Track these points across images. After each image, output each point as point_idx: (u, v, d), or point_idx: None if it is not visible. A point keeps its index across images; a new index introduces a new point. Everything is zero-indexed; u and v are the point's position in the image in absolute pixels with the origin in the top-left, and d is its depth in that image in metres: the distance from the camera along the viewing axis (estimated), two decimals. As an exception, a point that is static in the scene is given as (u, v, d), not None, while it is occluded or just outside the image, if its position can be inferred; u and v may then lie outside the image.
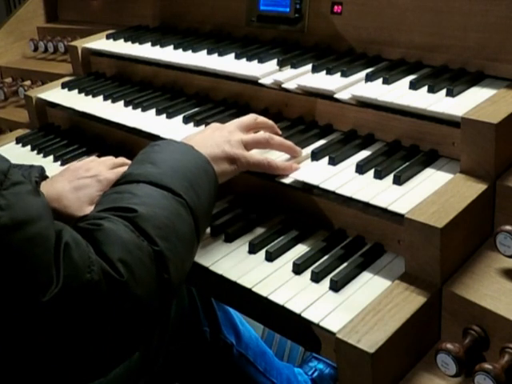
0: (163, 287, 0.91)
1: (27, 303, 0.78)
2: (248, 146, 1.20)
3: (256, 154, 1.22)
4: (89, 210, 1.19)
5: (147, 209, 0.94)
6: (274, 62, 1.54)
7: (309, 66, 1.48)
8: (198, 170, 1.06)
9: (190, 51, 1.72)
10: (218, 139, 1.16)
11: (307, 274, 1.09)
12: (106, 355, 0.87)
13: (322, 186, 1.17)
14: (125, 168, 1.18)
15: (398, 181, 1.15)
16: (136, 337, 0.91)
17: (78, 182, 1.22)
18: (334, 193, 1.16)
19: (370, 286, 1.06)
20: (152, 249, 0.90)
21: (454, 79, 1.31)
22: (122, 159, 1.29)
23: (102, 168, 1.24)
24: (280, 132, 1.31)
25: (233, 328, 1.48)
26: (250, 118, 1.27)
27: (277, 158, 1.26)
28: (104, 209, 0.95)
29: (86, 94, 1.77)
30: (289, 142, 1.26)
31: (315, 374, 1.76)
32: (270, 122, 1.29)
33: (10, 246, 0.76)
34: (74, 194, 1.19)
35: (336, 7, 1.57)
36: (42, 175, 1.24)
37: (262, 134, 1.24)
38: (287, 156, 1.27)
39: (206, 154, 1.10)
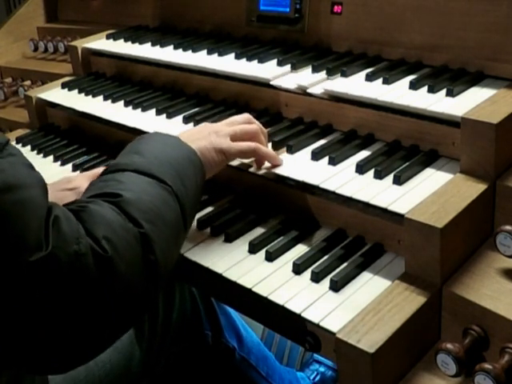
0: (150, 269, 0.91)
1: (12, 260, 0.78)
2: (236, 137, 1.21)
3: (243, 142, 1.21)
4: None
5: (132, 194, 0.95)
6: (274, 61, 1.54)
7: (309, 66, 1.48)
8: (184, 160, 1.07)
9: (189, 51, 1.72)
10: (206, 132, 1.18)
11: (307, 274, 1.09)
12: (89, 331, 0.86)
13: (322, 185, 1.17)
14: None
15: (398, 181, 1.15)
16: (121, 316, 0.90)
17: (58, 193, 1.23)
18: (333, 193, 1.16)
19: (370, 286, 1.06)
20: (138, 231, 0.91)
21: (454, 79, 1.31)
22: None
23: (84, 181, 1.24)
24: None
25: (235, 332, 1.48)
26: (244, 116, 1.27)
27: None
28: (90, 195, 0.96)
29: (86, 94, 1.77)
30: (269, 147, 1.27)
31: (317, 377, 1.76)
32: (262, 126, 1.28)
33: None
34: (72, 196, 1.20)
35: (336, 7, 1.57)
36: None
37: (250, 125, 1.25)
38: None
39: (193, 147, 1.11)
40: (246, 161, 1.28)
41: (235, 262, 1.14)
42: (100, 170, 1.27)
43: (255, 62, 1.57)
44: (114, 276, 0.86)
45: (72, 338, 0.85)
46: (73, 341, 0.85)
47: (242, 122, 1.25)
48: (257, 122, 1.27)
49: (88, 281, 0.83)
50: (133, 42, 1.88)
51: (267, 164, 1.26)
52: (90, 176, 1.27)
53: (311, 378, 1.75)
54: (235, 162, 1.29)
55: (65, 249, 0.82)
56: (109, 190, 0.96)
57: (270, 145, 1.31)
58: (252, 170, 1.28)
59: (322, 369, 1.78)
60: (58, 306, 0.82)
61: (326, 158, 1.25)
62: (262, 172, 1.27)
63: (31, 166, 0.87)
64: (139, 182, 0.99)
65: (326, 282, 1.06)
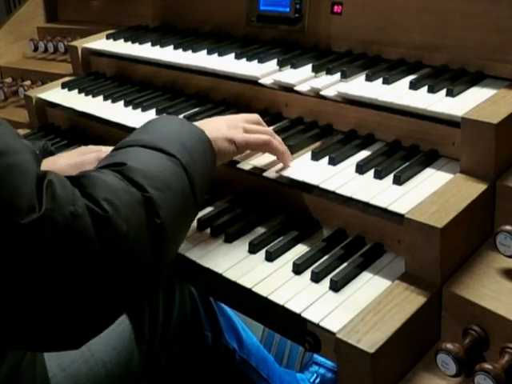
0: (155, 232, 0.88)
1: (4, 222, 0.76)
2: (249, 132, 1.20)
3: (254, 134, 1.21)
4: None
5: (138, 163, 0.93)
6: (274, 61, 1.54)
7: (309, 66, 1.48)
8: (192, 136, 1.06)
9: (189, 51, 1.72)
10: (219, 124, 1.17)
11: (307, 274, 1.09)
12: (92, 297, 0.83)
13: (322, 185, 1.17)
14: None
15: (398, 181, 1.15)
16: (126, 282, 0.86)
17: (80, 158, 1.25)
18: (334, 193, 1.16)
19: (370, 286, 1.06)
20: (141, 194, 0.89)
21: (454, 79, 1.31)
22: None
23: (106, 147, 1.26)
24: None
25: (235, 333, 1.48)
26: (253, 116, 1.27)
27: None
28: (95, 168, 0.96)
29: (86, 94, 1.77)
30: (285, 147, 1.26)
31: (317, 379, 1.76)
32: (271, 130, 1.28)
33: None
34: (73, 170, 1.20)
35: (336, 7, 1.58)
36: (43, 150, 1.25)
37: (265, 128, 1.25)
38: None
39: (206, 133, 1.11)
40: (238, 157, 1.28)
41: (235, 262, 1.14)
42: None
43: (255, 61, 1.57)
44: (115, 235, 0.83)
45: (74, 306, 0.82)
46: (75, 309, 0.82)
47: (255, 121, 1.25)
48: (265, 125, 1.28)
49: (87, 241, 0.81)
50: (133, 42, 1.89)
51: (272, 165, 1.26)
52: (108, 148, 1.26)
53: (311, 380, 1.75)
54: (235, 163, 1.29)
55: (60, 210, 0.79)
56: (113, 160, 0.95)
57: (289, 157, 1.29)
58: (252, 169, 1.28)
59: (321, 371, 1.77)
60: (57, 269, 0.79)
61: (326, 158, 1.25)
62: (262, 172, 1.27)
63: (19, 136, 0.86)
64: (146, 154, 0.97)
65: (326, 282, 1.06)
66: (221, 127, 1.16)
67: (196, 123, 1.16)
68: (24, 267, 0.78)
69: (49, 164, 1.25)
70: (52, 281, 0.79)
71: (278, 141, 1.24)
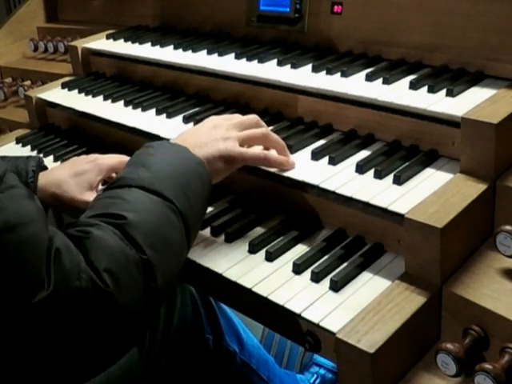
0: (150, 295, 0.92)
1: (17, 304, 0.78)
2: (244, 142, 1.19)
3: (251, 149, 1.20)
4: (88, 194, 1.22)
5: (136, 215, 0.94)
6: (274, 61, 1.54)
7: (309, 66, 1.48)
8: (190, 174, 1.05)
9: (189, 51, 1.72)
10: (213, 137, 1.14)
11: (307, 274, 1.09)
12: (91, 359, 0.88)
13: (322, 185, 1.17)
14: (125, 157, 1.21)
15: (398, 181, 1.15)
16: (121, 341, 0.92)
17: (77, 168, 1.26)
18: (334, 193, 1.16)
19: (370, 286, 1.06)
20: (140, 257, 0.91)
21: (454, 79, 1.31)
22: (124, 156, 1.33)
23: (103, 156, 1.28)
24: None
25: (236, 336, 1.48)
26: (253, 119, 1.24)
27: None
28: (95, 214, 0.96)
29: (86, 94, 1.77)
30: (283, 142, 1.24)
31: (317, 380, 1.75)
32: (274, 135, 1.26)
33: (1, 248, 0.77)
34: (73, 180, 1.23)
35: (336, 7, 1.57)
36: (39, 165, 1.26)
37: (259, 130, 1.22)
38: None
39: (200, 155, 1.09)
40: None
41: (235, 262, 1.14)
42: (120, 156, 1.30)
43: (255, 62, 1.57)
44: (113, 309, 0.87)
45: (75, 364, 0.87)
46: (76, 366, 0.87)
47: (253, 125, 1.22)
48: (265, 125, 1.26)
49: (88, 314, 0.84)
50: (133, 42, 1.88)
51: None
52: (108, 155, 1.29)
53: (311, 380, 1.75)
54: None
55: (66, 285, 0.82)
56: (113, 210, 0.95)
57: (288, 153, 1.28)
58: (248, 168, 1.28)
59: (321, 371, 1.77)
60: (60, 340, 0.83)
61: (326, 158, 1.25)
62: (262, 172, 1.27)
63: (30, 196, 0.86)
64: (144, 200, 0.97)
65: (326, 282, 1.06)
66: (216, 142, 1.13)
67: (191, 137, 1.14)
68: (30, 338, 0.81)
69: (45, 177, 1.25)
70: (53, 346, 0.83)
71: (274, 139, 1.23)
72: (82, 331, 0.85)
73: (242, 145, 1.18)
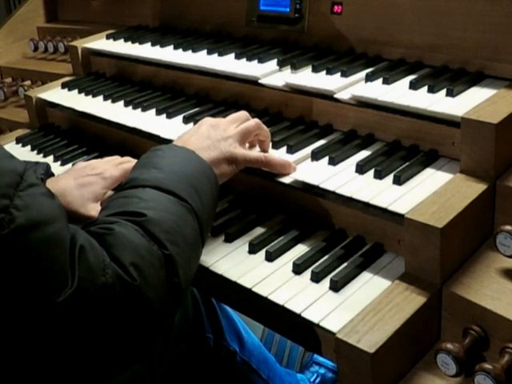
0: (173, 291, 0.92)
1: (42, 303, 0.78)
2: (243, 136, 1.20)
3: (253, 151, 1.22)
4: (92, 206, 1.21)
5: (155, 213, 0.95)
6: (274, 61, 1.54)
7: (309, 66, 1.48)
8: (201, 176, 1.07)
9: (189, 51, 1.72)
10: (214, 139, 1.16)
11: (307, 274, 1.09)
12: (117, 356, 0.88)
13: (322, 185, 1.17)
14: (130, 165, 1.21)
15: (398, 181, 1.15)
16: (148, 337, 0.92)
17: (82, 179, 1.24)
18: (334, 193, 1.16)
19: (369, 286, 1.06)
20: (162, 253, 0.91)
21: (454, 79, 1.31)
22: (127, 158, 1.31)
23: (108, 166, 1.26)
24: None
25: (236, 335, 1.48)
26: (243, 113, 1.27)
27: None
28: (113, 213, 0.96)
29: (86, 94, 1.77)
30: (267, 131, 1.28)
31: (317, 379, 1.75)
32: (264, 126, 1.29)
33: (25, 247, 0.76)
34: (78, 191, 1.21)
35: (336, 7, 1.57)
36: (47, 172, 1.26)
37: (251, 121, 1.24)
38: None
39: (205, 158, 1.11)
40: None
41: (235, 262, 1.14)
42: (125, 159, 1.30)
43: (255, 62, 1.57)
44: (141, 303, 0.87)
45: (102, 362, 0.86)
46: (103, 364, 0.87)
47: (244, 119, 1.25)
48: (257, 120, 1.27)
49: (116, 309, 0.84)
50: (133, 42, 1.88)
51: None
52: (114, 163, 1.28)
53: (311, 379, 1.75)
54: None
55: (92, 281, 0.82)
56: (132, 208, 0.96)
57: (270, 144, 1.31)
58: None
59: (321, 370, 1.77)
60: (86, 338, 0.82)
61: (326, 158, 1.25)
62: (261, 172, 1.27)
63: (50, 194, 0.86)
64: (161, 199, 0.99)
65: (326, 282, 1.06)
66: (218, 144, 1.15)
67: (193, 139, 1.15)
68: (56, 337, 0.80)
69: (50, 186, 1.25)
70: (80, 344, 0.83)
71: (265, 129, 1.26)
72: (110, 328, 0.84)
73: (241, 142, 1.20)
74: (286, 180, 1.23)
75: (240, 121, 1.24)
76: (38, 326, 0.79)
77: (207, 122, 1.22)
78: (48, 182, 1.26)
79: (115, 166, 1.27)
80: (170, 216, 0.96)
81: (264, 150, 1.29)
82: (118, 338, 0.86)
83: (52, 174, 1.30)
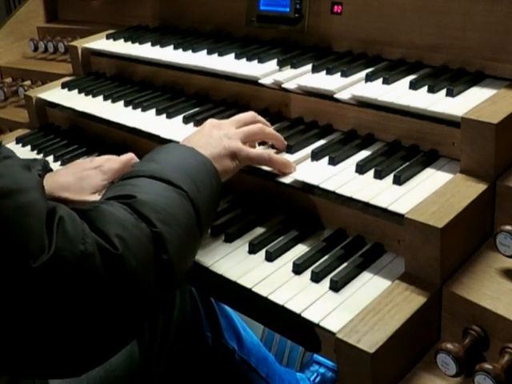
0: (162, 268, 0.90)
1: (16, 267, 0.77)
2: (245, 138, 1.21)
3: (256, 149, 1.22)
4: (91, 197, 1.21)
5: (146, 195, 0.95)
6: (274, 61, 1.54)
7: (309, 66, 1.48)
8: (199, 167, 1.07)
9: (189, 51, 1.72)
10: (217, 137, 1.17)
11: (307, 273, 1.09)
12: (100, 332, 0.85)
13: (322, 185, 1.17)
14: (128, 156, 1.24)
15: (398, 181, 1.15)
16: (133, 317, 0.89)
17: (81, 173, 1.25)
18: (334, 193, 1.16)
19: (369, 286, 1.06)
20: (150, 230, 0.90)
21: (454, 79, 1.31)
22: (130, 154, 1.32)
23: (107, 160, 1.27)
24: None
25: (235, 333, 1.48)
26: (249, 115, 1.27)
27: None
28: (105, 198, 0.97)
29: (86, 94, 1.77)
30: (279, 134, 1.28)
31: (317, 379, 1.75)
32: (268, 123, 1.30)
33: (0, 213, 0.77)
34: (77, 184, 1.22)
35: (336, 7, 1.57)
36: (45, 168, 1.26)
37: (255, 125, 1.25)
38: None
39: (207, 155, 1.11)
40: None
41: (235, 262, 1.14)
42: (123, 156, 1.30)
43: (255, 62, 1.57)
44: (124, 273, 0.85)
45: (84, 338, 0.84)
46: (85, 341, 0.84)
47: (248, 121, 1.25)
48: (262, 119, 1.28)
49: (96, 280, 0.82)
50: (133, 42, 1.89)
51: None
52: (112, 159, 1.29)
53: (311, 379, 1.75)
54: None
55: (70, 249, 0.81)
56: (123, 192, 0.96)
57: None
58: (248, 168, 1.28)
59: (321, 370, 1.77)
60: (67, 308, 0.81)
61: (326, 158, 1.25)
62: (262, 172, 1.27)
63: (27, 167, 0.86)
64: (154, 186, 0.99)
65: (326, 282, 1.06)
66: (220, 141, 1.16)
67: (195, 139, 1.16)
68: (35, 305, 0.79)
69: (49, 181, 1.25)
70: (61, 316, 0.81)
71: (270, 133, 1.26)
72: (93, 298, 0.82)
73: (243, 142, 1.20)
74: (286, 180, 1.23)
75: (244, 122, 1.24)
76: (15, 292, 0.77)
77: (211, 122, 1.22)
78: (47, 176, 1.27)
79: (114, 160, 1.28)
80: (162, 199, 0.96)
81: (280, 150, 1.28)
82: (101, 310, 0.84)
83: (50, 170, 1.31)
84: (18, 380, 1.05)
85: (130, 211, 0.91)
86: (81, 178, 1.23)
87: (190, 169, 1.05)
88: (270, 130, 1.26)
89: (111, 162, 1.26)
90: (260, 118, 1.28)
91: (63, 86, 1.86)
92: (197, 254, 1.15)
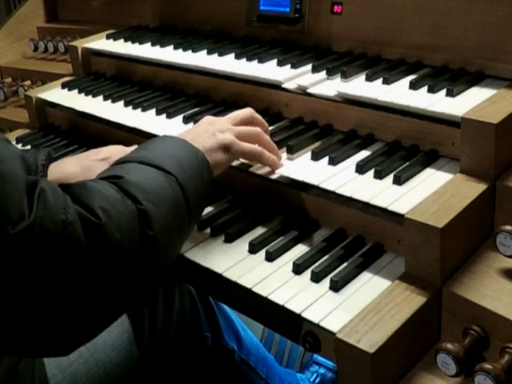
0: (148, 244, 0.90)
1: None
2: (240, 136, 1.21)
3: (248, 143, 1.22)
4: None
5: (135, 177, 0.95)
6: (274, 62, 1.54)
7: (309, 66, 1.48)
8: (191, 156, 1.07)
9: (189, 51, 1.72)
10: (210, 131, 1.17)
11: (307, 273, 1.09)
12: (84, 305, 0.84)
13: (322, 185, 1.17)
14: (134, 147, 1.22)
15: (398, 181, 1.15)
16: (119, 292, 0.88)
17: (88, 163, 1.25)
18: (334, 193, 1.16)
19: (369, 286, 1.06)
20: (136, 207, 0.90)
21: (454, 79, 1.31)
22: (135, 146, 1.31)
23: (113, 151, 1.27)
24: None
25: (234, 334, 1.48)
26: (246, 112, 1.27)
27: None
28: (94, 179, 0.97)
29: (86, 94, 1.77)
30: (274, 145, 1.27)
31: (317, 379, 1.75)
32: (264, 122, 1.29)
33: None
34: (83, 175, 1.22)
35: (336, 7, 1.58)
36: (49, 157, 1.26)
37: (253, 128, 1.25)
38: None
39: (200, 147, 1.12)
40: (245, 160, 1.28)
41: (235, 262, 1.14)
42: (130, 148, 1.29)
43: (255, 62, 1.57)
44: (106, 243, 0.84)
45: (64, 313, 0.83)
46: (65, 315, 0.83)
47: (245, 117, 1.25)
48: (259, 117, 1.28)
49: (78, 249, 0.81)
50: (133, 42, 1.89)
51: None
52: (119, 149, 1.29)
53: (311, 379, 1.75)
54: (235, 162, 1.29)
55: (51, 218, 0.80)
56: (111, 173, 0.97)
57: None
58: (252, 169, 1.28)
59: (321, 370, 1.77)
60: (48, 276, 0.80)
61: (326, 158, 1.25)
62: (262, 172, 1.27)
63: (8, 141, 0.87)
64: (144, 170, 0.99)
65: (326, 282, 1.06)
66: (213, 136, 1.16)
67: (190, 134, 1.16)
68: (15, 275, 0.78)
69: (55, 170, 1.25)
70: (43, 288, 0.80)
71: (266, 140, 1.25)
72: (74, 267, 0.81)
73: (238, 139, 1.20)
74: (286, 180, 1.23)
75: (240, 119, 1.24)
76: None
77: (206, 119, 1.23)
78: (52, 166, 1.27)
79: (121, 151, 1.28)
80: (151, 181, 0.96)
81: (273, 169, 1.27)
82: (85, 281, 0.82)
83: (54, 159, 1.31)
84: (16, 369, 1.05)
85: (116, 189, 0.91)
86: (87, 169, 1.24)
87: (180, 157, 1.05)
88: (268, 138, 1.25)
89: (117, 154, 1.26)
90: (257, 115, 1.28)
91: (63, 85, 1.86)
92: (197, 255, 1.16)
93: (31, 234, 0.78)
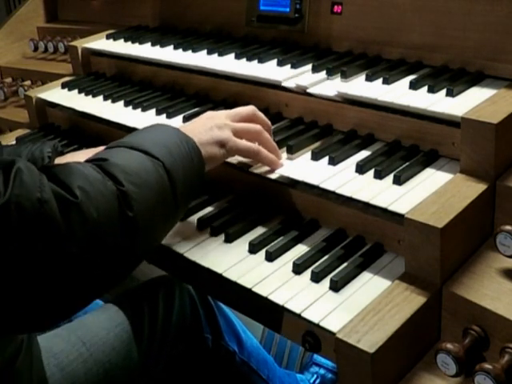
0: (127, 224, 0.90)
1: None
2: (238, 133, 1.21)
3: (245, 141, 1.22)
4: None
5: (119, 160, 0.96)
6: (274, 62, 1.54)
7: (309, 66, 1.48)
8: (181, 143, 1.07)
9: (189, 51, 1.72)
10: (208, 126, 1.17)
11: (307, 274, 1.09)
12: (57, 281, 0.84)
13: (322, 185, 1.17)
14: None
15: (398, 181, 1.15)
16: (98, 270, 0.88)
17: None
18: (334, 193, 1.16)
19: (369, 286, 1.06)
20: (116, 187, 0.91)
21: (454, 79, 1.31)
22: None
23: None
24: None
25: (235, 336, 1.48)
26: (249, 109, 1.27)
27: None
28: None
29: (86, 94, 1.77)
30: (274, 144, 1.26)
31: (317, 380, 1.75)
32: (267, 120, 1.29)
33: None
34: None
35: (336, 7, 1.58)
36: (55, 150, 1.26)
37: (253, 125, 1.24)
38: None
39: (196, 140, 1.11)
40: (245, 160, 1.28)
41: (235, 262, 1.14)
42: None
43: (255, 62, 1.57)
44: (83, 222, 0.85)
45: (40, 289, 0.83)
46: (41, 292, 0.83)
47: (246, 114, 1.25)
48: (262, 115, 1.27)
49: (53, 226, 0.82)
50: (133, 42, 1.89)
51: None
52: None
53: (311, 380, 1.75)
54: (235, 162, 1.29)
55: (27, 196, 0.81)
56: (97, 156, 0.97)
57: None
58: (252, 169, 1.28)
59: (321, 371, 1.77)
60: (24, 253, 0.80)
61: (326, 158, 1.25)
62: (261, 172, 1.27)
63: None
64: (129, 154, 0.99)
65: (326, 282, 1.06)
66: (210, 130, 1.16)
67: (187, 127, 1.16)
68: None
69: (67, 160, 1.25)
70: (19, 264, 0.80)
71: (266, 138, 1.24)
72: (50, 245, 0.82)
73: (235, 135, 1.20)
74: (286, 180, 1.23)
75: (241, 116, 1.24)
76: None
77: (206, 114, 1.23)
78: (59, 159, 1.26)
79: None
80: (135, 164, 0.96)
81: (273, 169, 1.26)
82: (62, 258, 0.83)
83: (61, 152, 1.31)
84: (13, 367, 1.04)
85: (98, 170, 0.92)
86: None
87: (170, 143, 1.05)
88: (268, 136, 1.25)
89: None
90: (259, 113, 1.28)
91: (63, 85, 1.86)
92: (197, 255, 1.15)
93: (7, 212, 0.79)
